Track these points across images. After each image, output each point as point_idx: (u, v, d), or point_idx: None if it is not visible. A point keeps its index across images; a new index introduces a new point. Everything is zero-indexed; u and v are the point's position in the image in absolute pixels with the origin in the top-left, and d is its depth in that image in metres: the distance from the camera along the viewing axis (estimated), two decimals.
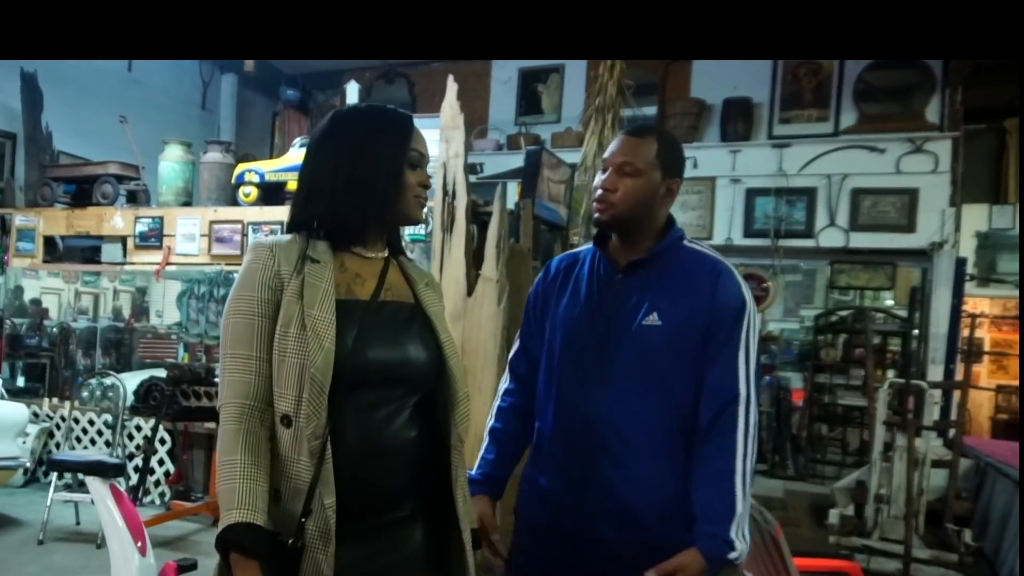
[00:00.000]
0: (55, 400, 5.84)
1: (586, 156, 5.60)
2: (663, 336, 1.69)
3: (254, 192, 5.05)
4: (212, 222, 5.28)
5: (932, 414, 4.62)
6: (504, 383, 1.98)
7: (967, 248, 7.46)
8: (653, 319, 1.70)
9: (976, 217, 7.51)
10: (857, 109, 7.44)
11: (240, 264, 1.46)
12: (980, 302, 9.30)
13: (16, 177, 6.60)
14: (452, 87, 4.26)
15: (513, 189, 5.39)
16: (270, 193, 5.13)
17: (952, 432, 4.96)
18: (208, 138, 6.22)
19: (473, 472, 1.87)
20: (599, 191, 1.75)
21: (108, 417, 5.48)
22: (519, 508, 1.87)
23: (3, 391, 5.51)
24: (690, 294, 1.71)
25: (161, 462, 5.27)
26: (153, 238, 5.50)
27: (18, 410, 5.00)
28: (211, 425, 4.75)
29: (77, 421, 5.60)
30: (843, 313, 7.63)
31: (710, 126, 7.96)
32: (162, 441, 5.25)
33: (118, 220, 5.68)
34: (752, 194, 7.50)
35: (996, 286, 8.02)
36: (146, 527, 3.01)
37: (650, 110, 8.22)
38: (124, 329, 7.23)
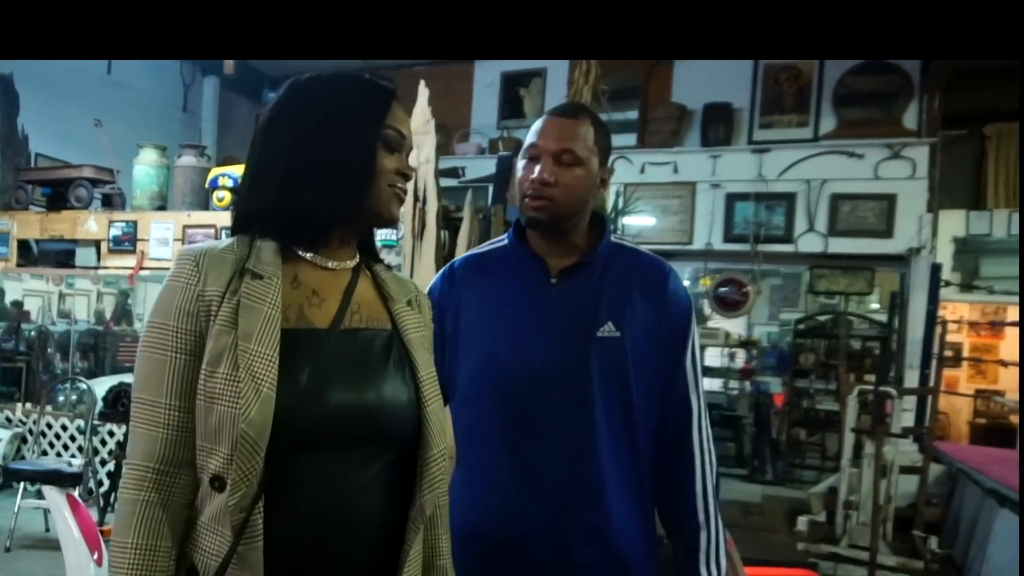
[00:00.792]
0: (28, 405, 5.80)
1: None
2: (623, 348, 1.49)
3: (228, 196, 5.03)
4: (186, 226, 5.27)
5: (901, 420, 4.63)
6: None
7: (945, 253, 7.49)
8: (610, 330, 1.50)
9: (954, 223, 7.54)
10: (836, 115, 7.46)
11: None
12: (960, 307, 9.34)
13: None
14: (423, 93, 4.26)
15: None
16: None
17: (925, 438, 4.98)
18: (187, 142, 6.20)
19: None
20: (534, 183, 1.50)
21: (81, 423, 5.45)
22: None
23: None
24: (644, 299, 1.54)
25: None
26: (127, 242, 5.48)
27: None
28: None
29: (50, 427, 5.56)
30: (822, 318, 7.65)
31: (691, 131, 7.96)
32: None
33: (92, 224, 5.65)
34: (732, 199, 7.51)
35: (977, 292, 8.05)
36: (106, 537, 3.00)
37: (632, 114, 8.26)
38: (103, 333, 7.21)
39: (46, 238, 5.90)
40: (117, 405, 4.41)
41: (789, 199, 7.33)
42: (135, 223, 5.47)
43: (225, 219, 5.13)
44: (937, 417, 5.12)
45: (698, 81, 7.91)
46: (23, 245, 6.03)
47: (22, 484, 4.53)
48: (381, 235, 4.49)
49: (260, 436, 1.00)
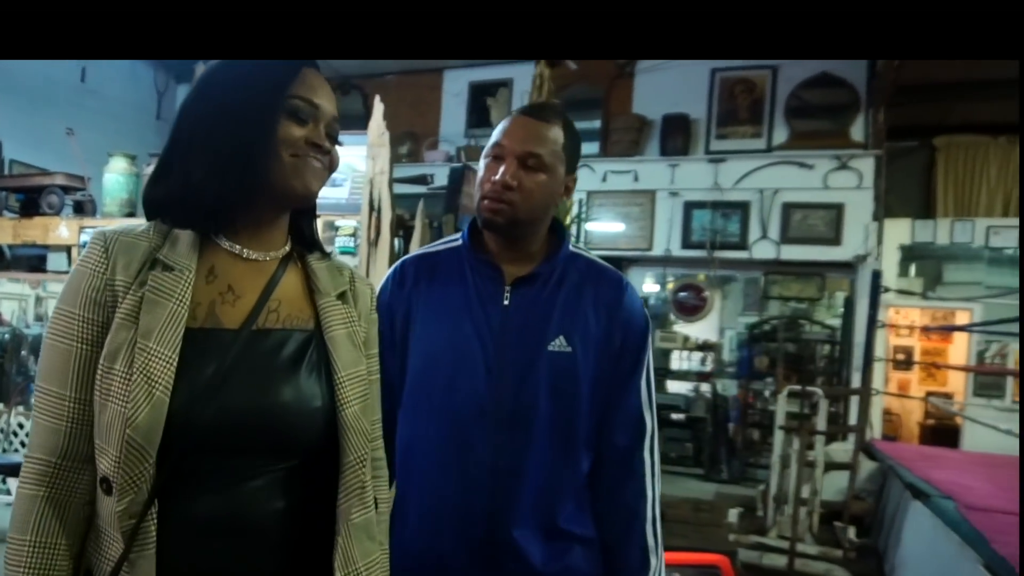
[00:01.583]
0: (1, 405, 5.96)
1: None
2: (575, 364, 1.44)
3: None
4: None
5: (849, 420, 4.89)
6: None
7: (891, 261, 7.80)
8: (560, 344, 1.44)
9: (901, 231, 7.86)
10: (788, 126, 7.75)
11: None
12: (911, 312, 9.67)
13: None
14: (379, 107, 4.48)
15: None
16: None
17: (855, 436, 5.26)
18: (158, 150, 6.35)
19: None
20: (494, 185, 1.42)
21: None
22: None
23: None
24: (598, 313, 1.48)
25: None
26: None
27: None
28: None
29: (21, 426, 5.73)
30: (775, 322, 7.93)
31: (650, 141, 8.23)
32: None
33: (63, 230, 5.82)
34: (690, 207, 7.79)
35: (914, 297, 8.37)
36: None
37: (595, 123, 8.52)
38: None
39: (19, 243, 6.06)
40: None
41: (744, 207, 7.61)
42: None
43: None
44: (867, 417, 5.40)
45: (658, 93, 8.19)
46: None
47: None
48: (340, 242, 4.72)
49: (148, 442, 0.95)
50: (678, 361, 9.09)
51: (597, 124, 8.51)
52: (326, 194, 4.57)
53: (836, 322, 8.00)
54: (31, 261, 6.41)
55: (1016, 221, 7.64)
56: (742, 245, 7.59)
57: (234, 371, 1.02)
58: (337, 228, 4.75)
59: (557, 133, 1.46)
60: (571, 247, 1.55)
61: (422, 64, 9.05)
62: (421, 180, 7.57)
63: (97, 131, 7.06)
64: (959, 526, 2.95)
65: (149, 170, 5.67)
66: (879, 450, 5.43)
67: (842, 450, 5.52)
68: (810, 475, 4.17)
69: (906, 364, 9.63)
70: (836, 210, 7.32)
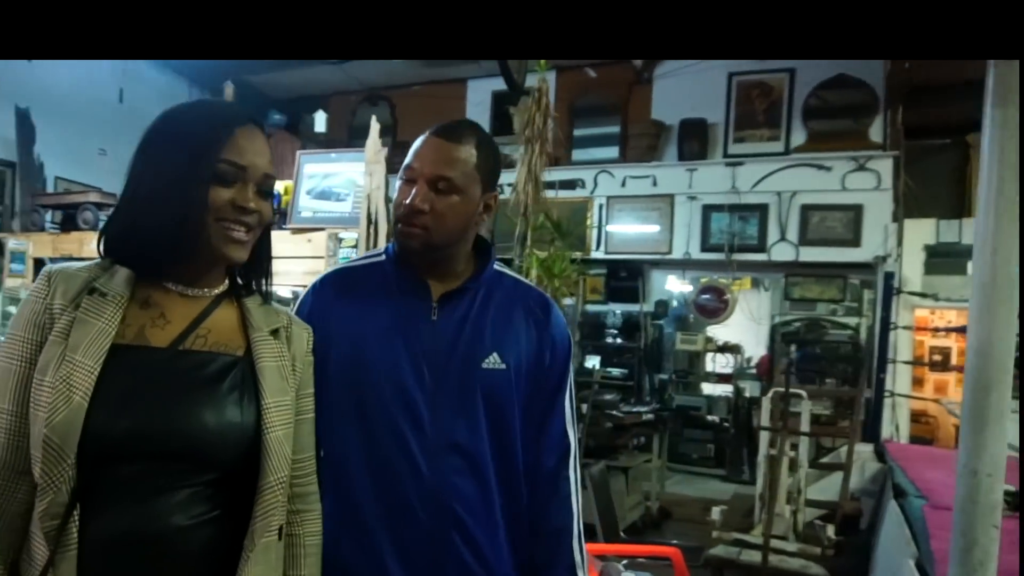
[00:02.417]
0: None
1: (517, 182, 6.00)
2: (508, 380, 1.43)
3: None
4: None
5: (805, 423, 4.88)
6: None
7: (917, 260, 7.73)
8: (495, 361, 1.43)
9: (926, 231, 7.77)
10: (806, 129, 7.75)
11: None
12: (946, 313, 9.51)
13: (15, 203, 7.15)
14: (375, 127, 4.68)
15: None
16: None
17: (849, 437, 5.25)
18: None
19: None
20: (406, 209, 1.41)
21: None
22: None
23: None
24: (528, 330, 1.49)
25: None
26: None
27: None
28: None
29: None
30: (797, 324, 7.93)
31: (668, 145, 8.30)
32: None
33: (95, 244, 6.18)
34: (708, 210, 7.83)
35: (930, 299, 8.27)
36: None
37: (614, 129, 8.62)
38: None
39: (57, 256, 6.45)
40: None
41: (762, 210, 7.63)
42: None
43: None
44: (862, 418, 5.41)
45: (675, 98, 8.26)
46: (37, 263, 6.59)
47: None
48: (344, 254, 4.93)
49: (65, 442, 1.01)
50: (710, 363, 9.13)
51: (616, 129, 8.61)
52: (330, 208, 4.77)
53: (859, 322, 7.97)
54: None
55: None
56: (761, 247, 7.61)
57: (154, 385, 1.09)
58: (341, 240, 4.96)
59: (469, 153, 1.42)
60: (495, 266, 1.55)
61: (446, 74, 9.27)
62: None
63: (134, 147, 7.43)
64: (914, 523, 3.02)
65: None
66: (888, 451, 5.44)
67: (865, 451, 5.53)
68: (778, 474, 4.23)
69: (942, 366, 9.47)
70: (854, 211, 7.30)
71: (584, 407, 5.94)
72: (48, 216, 6.66)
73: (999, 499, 1.02)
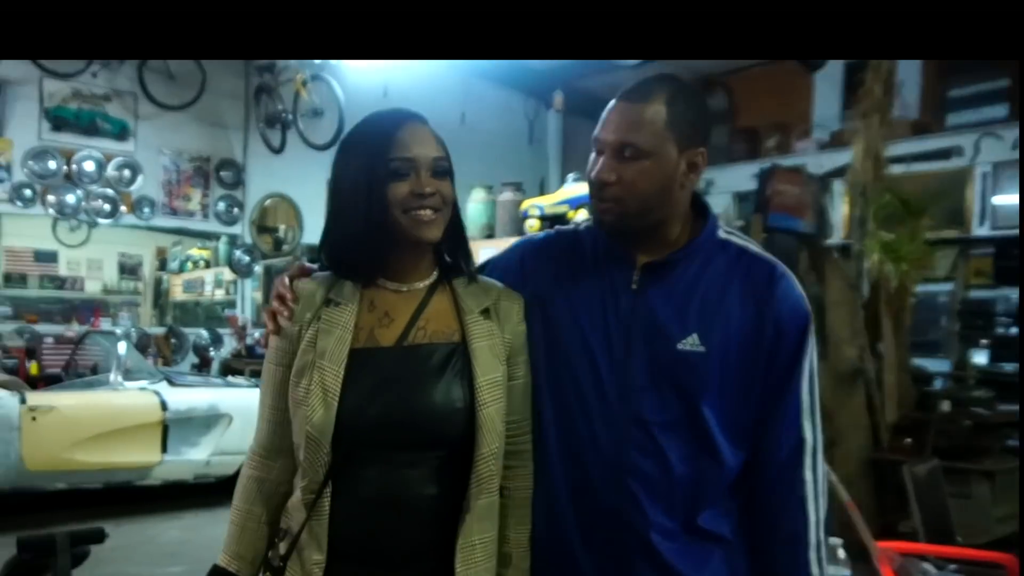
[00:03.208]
0: None
1: (854, 160, 5.23)
2: (709, 365, 1.31)
3: (537, 224, 5.49)
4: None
5: None
6: None
7: None
8: (693, 342, 1.31)
9: None
10: None
11: None
12: None
13: None
14: None
15: None
16: (554, 222, 5.53)
17: None
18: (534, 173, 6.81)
19: None
20: (595, 184, 1.34)
21: None
22: None
23: None
24: (745, 308, 1.33)
25: None
26: None
27: None
28: None
29: None
30: None
31: None
32: None
33: None
34: None
35: None
36: None
37: (1000, 83, 7.21)
38: None
39: None
40: None
41: None
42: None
43: None
44: None
45: None
46: None
47: None
48: None
49: (322, 436, 1.25)
50: None
51: (1004, 83, 7.19)
52: None
53: None
54: None
55: None
56: None
57: (390, 380, 1.28)
58: None
59: (656, 111, 1.30)
60: (722, 232, 1.40)
61: None
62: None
63: (479, 161, 7.79)
64: None
65: (501, 198, 6.11)
66: None
67: None
68: None
69: None
70: None
71: (945, 404, 5.05)
72: None
73: None
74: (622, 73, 8.76)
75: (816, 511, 1.34)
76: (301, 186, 8.53)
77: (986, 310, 7.37)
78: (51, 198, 7.37)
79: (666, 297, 1.35)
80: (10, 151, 7.22)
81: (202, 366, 8.01)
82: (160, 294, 10.15)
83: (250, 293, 8.65)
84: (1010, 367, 6.92)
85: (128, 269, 9.79)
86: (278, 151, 7.92)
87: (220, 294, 9.10)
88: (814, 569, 1.33)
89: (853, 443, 4.72)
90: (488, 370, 1.31)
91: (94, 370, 6.46)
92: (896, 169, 6.46)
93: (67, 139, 7.46)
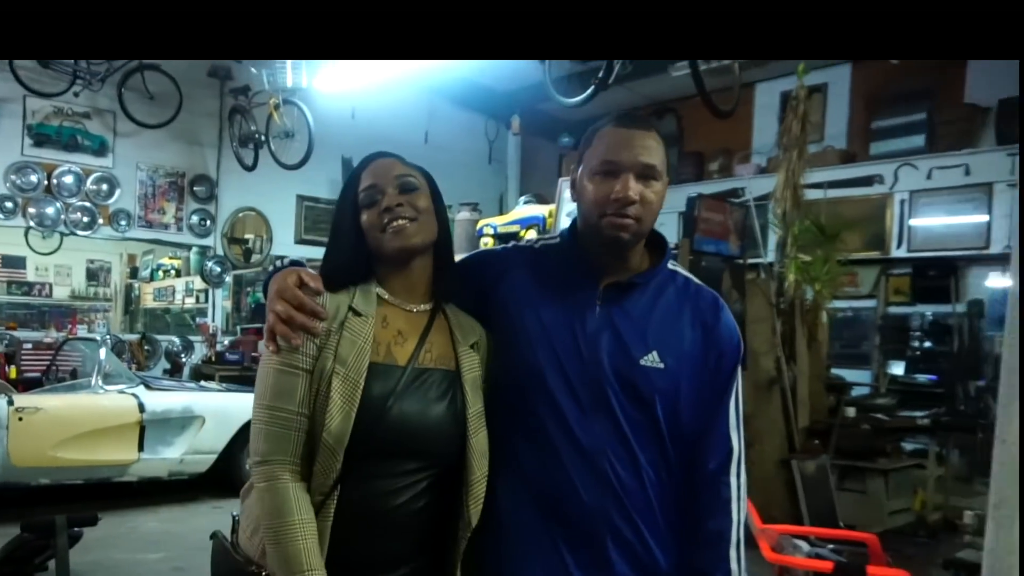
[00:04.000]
0: None
1: (776, 189, 5.80)
2: (666, 380, 1.43)
3: (491, 241, 5.97)
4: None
5: None
6: None
7: None
8: (653, 359, 1.43)
9: None
10: None
11: None
12: None
13: None
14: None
15: None
16: (506, 240, 6.01)
17: None
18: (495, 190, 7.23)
19: None
20: (618, 202, 1.40)
21: None
22: None
23: None
24: (692, 331, 1.47)
25: None
26: None
27: None
28: None
29: None
30: None
31: (985, 130, 7.38)
32: None
33: None
34: None
35: None
36: None
37: (918, 117, 7.86)
38: None
39: None
40: None
41: None
42: None
43: None
44: None
45: (994, 76, 7.32)
46: None
47: None
48: None
49: (338, 443, 1.30)
50: None
51: (922, 117, 7.84)
52: None
53: None
54: None
55: None
56: None
57: (402, 396, 1.37)
58: None
59: (658, 140, 1.45)
60: (669, 264, 1.54)
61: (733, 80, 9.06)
62: (733, 194, 7.69)
63: (444, 179, 8.24)
64: None
65: (459, 216, 6.59)
66: None
67: None
68: None
69: None
70: None
71: (851, 410, 5.68)
72: None
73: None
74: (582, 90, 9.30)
75: (738, 512, 1.46)
76: (272, 201, 8.98)
77: (904, 325, 8.00)
78: (32, 210, 7.71)
79: (626, 316, 1.45)
80: None
81: (173, 371, 8.32)
82: (131, 301, 10.43)
83: (221, 301, 9.03)
84: (923, 378, 7.59)
85: (94, 275, 10.09)
86: (251, 169, 8.27)
87: (190, 302, 9.42)
88: (734, 565, 1.44)
89: (769, 444, 5.24)
90: (475, 402, 1.43)
91: (73, 374, 6.74)
92: (831, 194, 7.07)
93: (48, 154, 7.81)
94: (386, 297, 1.44)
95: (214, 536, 1.52)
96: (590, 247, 1.49)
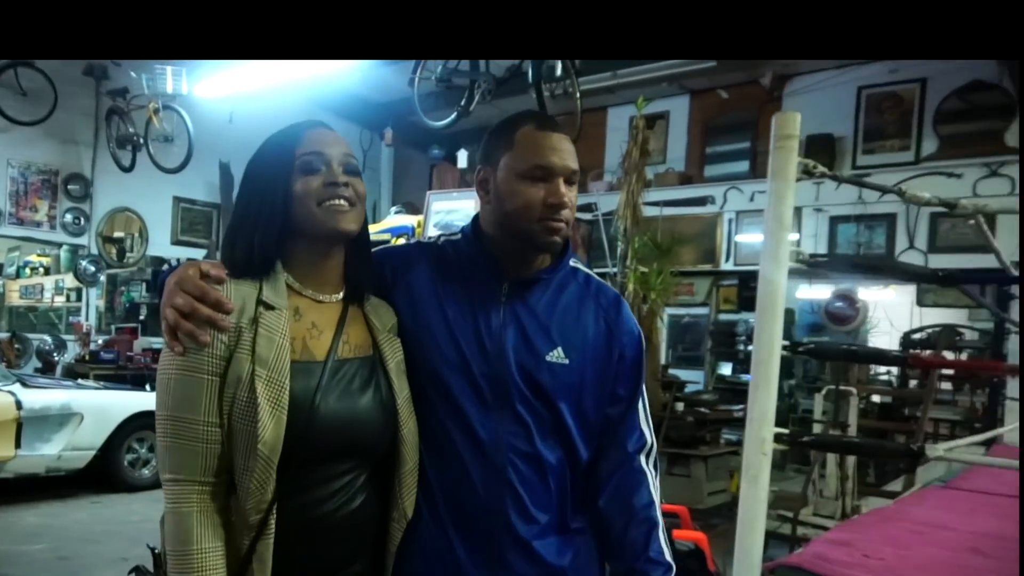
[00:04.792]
0: None
1: (618, 208, 6.63)
2: (571, 377, 1.44)
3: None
4: None
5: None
6: None
7: None
8: (559, 355, 1.43)
9: None
10: (937, 137, 7.75)
11: None
12: None
13: (219, 238, 8.59)
14: None
15: None
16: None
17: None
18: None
19: None
20: (554, 207, 1.40)
21: None
22: None
23: None
24: (595, 326, 1.49)
25: None
26: None
27: None
28: None
29: None
30: (930, 330, 7.94)
31: None
32: None
33: None
34: (835, 221, 8.03)
35: None
36: None
37: (743, 145, 8.95)
38: None
39: None
40: None
41: (889, 219, 7.74)
42: None
43: None
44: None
45: (804, 114, 8.39)
46: None
47: None
48: None
49: (273, 453, 1.17)
50: None
51: (747, 145, 8.94)
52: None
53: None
54: None
55: None
56: (888, 256, 7.69)
57: (327, 393, 1.26)
58: None
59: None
60: (571, 261, 1.55)
61: (587, 104, 9.91)
62: (587, 208, 8.51)
63: None
64: None
65: None
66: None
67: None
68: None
69: None
70: (987, 218, 7.24)
71: (679, 405, 6.56)
72: None
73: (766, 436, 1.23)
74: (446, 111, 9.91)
75: (658, 499, 1.49)
76: (148, 202, 9.11)
77: (731, 330, 9.12)
78: None
79: (531, 312, 1.45)
80: None
81: (46, 370, 8.31)
82: None
83: (95, 300, 9.11)
84: (746, 377, 8.71)
85: None
86: (128, 170, 8.34)
87: (60, 300, 9.41)
88: (665, 546, 1.47)
89: None
90: (403, 388, 1.36)
91: None
92: (671, 211, 7.96)
93: None
94: (296, 287, 1.32)
95: (136, 571, 1.44)
96: (505, 245, 1.47)
